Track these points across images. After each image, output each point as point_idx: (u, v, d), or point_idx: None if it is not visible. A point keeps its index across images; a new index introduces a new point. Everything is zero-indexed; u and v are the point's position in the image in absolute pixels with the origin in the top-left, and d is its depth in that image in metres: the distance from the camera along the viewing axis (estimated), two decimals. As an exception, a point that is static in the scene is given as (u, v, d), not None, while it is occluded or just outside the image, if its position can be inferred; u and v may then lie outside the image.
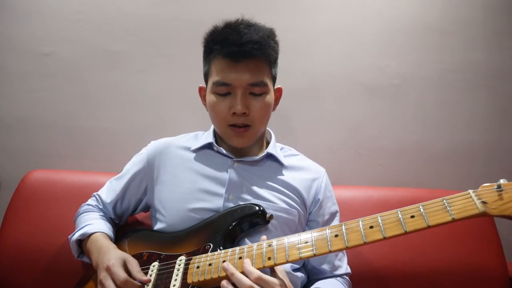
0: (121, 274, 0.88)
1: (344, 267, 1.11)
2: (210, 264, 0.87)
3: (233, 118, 1.05)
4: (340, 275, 1.10)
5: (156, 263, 0.97)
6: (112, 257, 0.93)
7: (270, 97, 1.09)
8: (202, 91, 1.17)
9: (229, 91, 1.04)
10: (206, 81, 1.12)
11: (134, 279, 0.89)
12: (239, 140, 1.09)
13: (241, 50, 1.00)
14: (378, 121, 1.70)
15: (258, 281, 0.78)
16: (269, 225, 1.02)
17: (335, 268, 1.09)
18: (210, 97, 1.08)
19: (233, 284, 0.81)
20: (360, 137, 1.70)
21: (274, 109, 1.15)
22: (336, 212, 1.18)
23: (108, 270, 0.90)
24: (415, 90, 1.70)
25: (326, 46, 1.70)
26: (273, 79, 1.12)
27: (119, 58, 1.68)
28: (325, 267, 1.09)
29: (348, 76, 1.70)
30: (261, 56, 1.03)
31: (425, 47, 1.70)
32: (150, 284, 0.90)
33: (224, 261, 0.86)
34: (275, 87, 1.15)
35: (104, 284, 0.88)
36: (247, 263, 0.82)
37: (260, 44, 1.02)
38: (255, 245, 0.86)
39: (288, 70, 1.66)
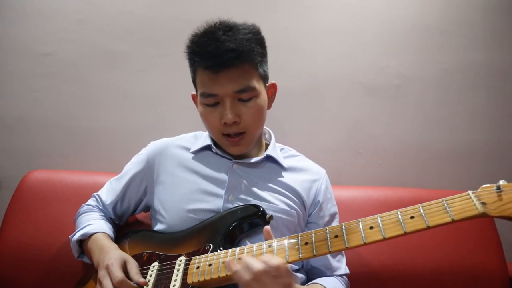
0: (118, 274, 0.88)
1: (343, 268, 1.11)
2: (210, 265, 0.87)
3: (225, 128, 1.04)
4: (340, 276, 1.10)
5: (156, 264, 0.97)
6: (112, 257, 0.93)
7: (261, 99, 1.06)
8: (195, 99, 1.15)
9: (217, 101, 1.02)
10: (195, 88, 1.11)
11: (132, 280, 0.90)
12: (236, 148, 1.08)
13: (219, 62, 0.97)
14: (378, 121, 1.70)
15: (276, 270, 0.77)
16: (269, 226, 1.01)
17: (334, 269, 1.09)
18: (200, 108, 1.07)
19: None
20: (360, 137, 1.70)
21: (269, 107, 1.13)
22: (336, 213, 1.18)
23: (107, 268, 0.90)
24: (415, 90, 1.70)
25: (326, 46, 1.70)
26: (263, 78, 1.08)
27: (119, 58, 1.68)
28: (324, 268, 1.09)
29: (348, 76, 1.70)
30: (242, 63, 0.99)
31: (425, 47, 1.70)
32: (150, 285, 0.91)
33: (224, 262, 0.86)
34: (268, 84, 1.12)
35: (102, 282, 0.89)
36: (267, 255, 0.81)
37: (239, 52, 0.97)
38: (255, 246, 0.86)
39: (288, 70, 1.66)
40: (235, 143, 1.06)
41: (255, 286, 0.77)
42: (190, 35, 1.06)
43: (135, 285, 0.89)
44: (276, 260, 0.78)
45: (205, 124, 1.09)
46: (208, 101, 1.03)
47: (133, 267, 0.93)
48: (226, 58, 0.96)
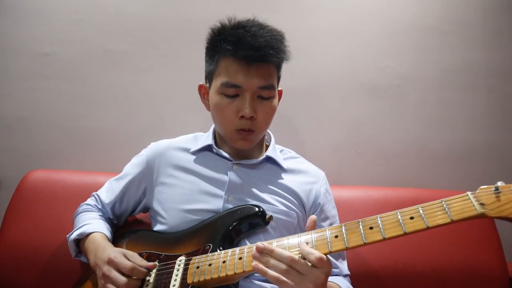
0: (127, 262, 0.89)
1: (345, 270, 1.12)
2: (210, 265, 0.88)
3: (240, 122, 1.03)
4: (343, 276, 1.11)
5: (155, 263, 0.97)
6: (111, 252, 0.93)
7: (276, 100, 1.09)
8: (202, 89, 1.15)
9: (237, 93, 1.02)
10: (210, 79, 1.09)
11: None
12: (244, 143, 1.08)
13: (257, 54, 0.98)
14: (378, 121, 1.70)
15: (319, 262, 0.75)
16: (268, 226, 1.02)
17: (339, 268, 1.10)
18: (216, 98, 1.05)
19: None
20: (360, 137, 1.70)
21: (276, 109, 1.14)
22: (336, 215, 1.19)
23: (111, 262, 0.90)
24: (415, 90, 1.70)
25: (326, 46, 1.70)
26: (278, 81, 1.12)
27: (119, 58, 1.68)
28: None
29: (348, 76, 1.70)
30: (275, 61, 1.02)
31: (425, 47, 1.70)
32: (150, 284, 0.91)
33: (224, 262, 0.86)
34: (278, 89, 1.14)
35: (109, 276, 0.89)
36: (302, 246, 0.79)
37: (277, 49, 1.00)
38: (255, 246, 0.86)
39: (288, 70, 1.65)
40: (244, 137, 1.06)
41: (292, 277, 0.76)
42: (211, 27, 1.07)
43: (145, 270, 0.91)
44: (316, 251, 0.77)
45: (217, 116, 1.08)
46: (229, 92, 1.02)
47: (136, 256, 0.94)
48: (264, 52, 0.98)
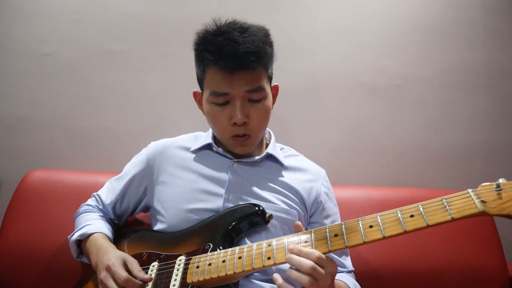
0: (122, 273, 0.88)
1: (349, 266, 1.12)
2: (209, 264, 0.87)
3: (234, 129, 1.04)
4: (347, 272, 1.11)
5: (155, 263, 0.97)
6: (111, 257, 0.93)
7: (269, 100, 1.08)
8: (197, 96, 1.15)
9: (227, 100, 1.02)
10: (201, 87, 1.10)
11: (135, 278, 0.90)
12: (242, 148, 1.09)
13: (237, 63, 0.97)
14: (378, 121, 1.70)
15: (319, 260, 0.76)
16: (269, 225, 1.02)
17: (342, 266, 1.10)
18: (208, 107, 1.06)
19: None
20: (360, 137, 1.70)
21: (271, 108, 1.14)
22: (337, 212, 1.19)
23: (109, 269, 0.90)
24: (415, 90, 1.70)
25: (326, 46, 1.70)
26: (270, 80, 1.11)
27: (119, 58, 1.68)
28: None
29: (348, 76, 1.70)
30: (258, 65, 1.01)
31: (425, 47, 1.70)
32: (150, 284, 0.91)
33: (223, 261, 0.86)
34: (272, 85, 1.13)
35: (106, 284, 0.88)
36: (299, 247, 0.80)
37: (258, 54, 0.99)
38: (254, 245, 0.86)
39: (288, 70, 1.66)
40: (241, 142, 1.07)
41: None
42: (197, 32, 1.06)
43: (140, 282, 0.90)
44: (315, 251, 0.78)
45: (212, 123, 1.09)
46: (218, 100, 1.02)
47: (134, 265, 0.93)
48: (244, 60, 0.97)
